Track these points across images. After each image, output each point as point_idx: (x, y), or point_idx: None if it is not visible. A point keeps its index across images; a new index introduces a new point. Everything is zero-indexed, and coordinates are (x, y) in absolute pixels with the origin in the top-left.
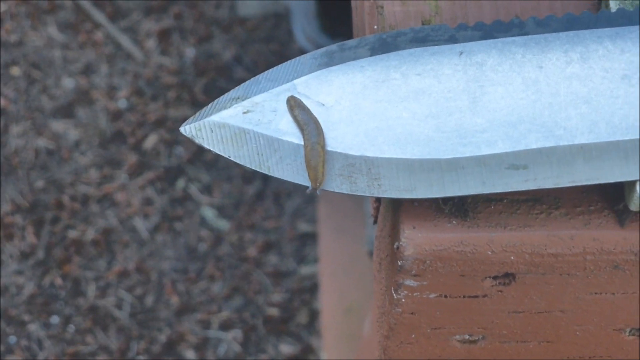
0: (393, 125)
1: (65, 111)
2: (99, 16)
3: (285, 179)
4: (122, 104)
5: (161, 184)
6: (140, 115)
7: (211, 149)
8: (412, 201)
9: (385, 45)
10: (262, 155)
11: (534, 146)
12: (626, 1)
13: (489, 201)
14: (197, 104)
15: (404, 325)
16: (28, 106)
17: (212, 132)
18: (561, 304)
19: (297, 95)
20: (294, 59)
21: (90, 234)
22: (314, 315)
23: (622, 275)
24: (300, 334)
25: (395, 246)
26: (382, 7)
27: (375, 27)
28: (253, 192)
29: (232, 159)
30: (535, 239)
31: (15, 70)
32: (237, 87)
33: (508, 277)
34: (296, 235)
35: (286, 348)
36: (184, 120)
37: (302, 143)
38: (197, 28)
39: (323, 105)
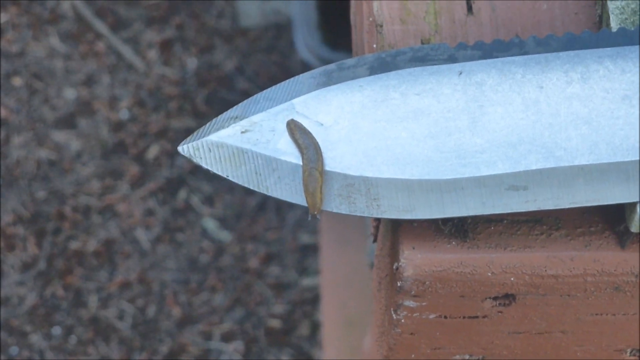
0: (392, 146)
1: (67, 122)
2: (100, 27)
3: (283, 199)
4: (123, 114)
5: (163, 195)
6: (141, 126)
7: (209, 169)
8: (411, 221)
9: (384, 64)
10: (260, 175)
11: (534, 167)
12: (627, 20)
13: (489, 222)
14: (199, 115)
15: (404, 346)
16: (30, 117)
17: (210, 151)
18: (562, 324)
19: (295, 115)
20: (292, 79)
21: (92, 245)
22: (315, 327)
23: (622, 297)
24: (301, 346)
25: (394, 267)
26: (381, 26)
27: (375, 45)
28: (255, 203)
29: (230, 178)
30: (535, 260)
31: (17, 81)
32: (235, 107)
33: (508, 298)
34: (298, 246)
35: None
36: (185, 130)
37: (301, 163)
38: (198, 39)
39: (322, 125)
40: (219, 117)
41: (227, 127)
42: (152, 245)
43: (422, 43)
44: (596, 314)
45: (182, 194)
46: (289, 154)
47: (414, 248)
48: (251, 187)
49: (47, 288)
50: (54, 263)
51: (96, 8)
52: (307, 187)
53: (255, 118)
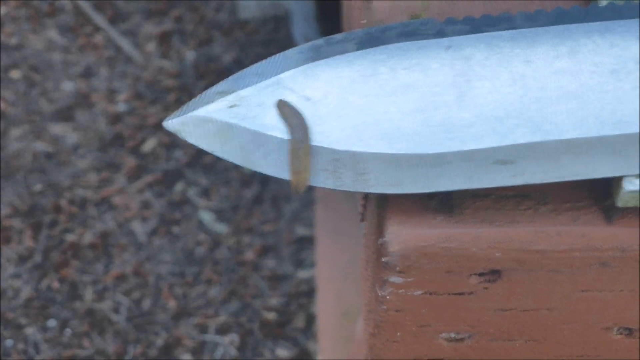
0: (380, 120)
1: (65, 114)
2: (99, 19)
3: (269, 174)
4: (121, 107)
5: (159, 188)
6: (139, 119)
7: (196, 144)
8: (398, 197)
9: (373, 39)
10: (247, 150)
11: (521, 141)
12: None
13: (475, 197)
14: None
15: (390, 323)
16: (27, 109)
17: (196, 126)
18: (548, 301)
19: (283, 90)
20: (280, 53)
21: (88, 238)
22: (310, 319)
23: (609, 273)
24: (297, 339)
25: (379, 242)
26: (370, 1)
27: (364, 21)
28: (251, 195)
29: (216, 154)
30: (522, 235)
31: (15, 73)
32: (222, 81)
33: (494, 274)
34: (294, 239)
35: (283, 352)
36: None
37: (288, 138)
38: (197, 31)
39: (309, 99)
40: (206, 91)
41: (214, 101)
42: (148, 237)
43: (412, 19)
44: (583, 291)
45: (179, 187)
46: (276, 128)
47: (399, 223)
48: (237, 163)
49: (42, 281)
50: (50, 256)
51: (95, 1)
52: (292, 167)
53: (243, 92)
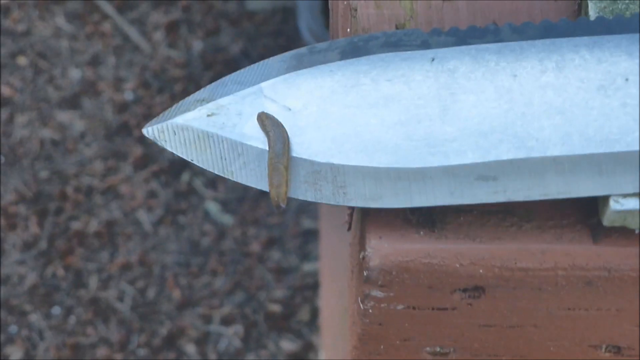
0: (361, 132)
1: (71, 102)
2: (107, 7)
3: (249, 184)
4: (128, 95)
5: (166, 178)
6: (146, 108)
7: (174, 152)
8: (379, 210)
9: (356, 49)
10: (225, 159)
11: (504, 157)
12: (606, 9)
13: (458, 212)
14: None
15: (373, 336)
16: (34, 96)
17: (174, 134)
18: (533, 319)
19: (263, 99)
20: (262, 61)
21: (94, 226)
22: (315, 312)
23: (595, 292)
24: (301, 331)
25: (361, 256)
26: (355, 10)
27: (349, 30)
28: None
29: (195, 162)
30: (505, 252)
31: (22, 60)
32: (202, 89)
33: (477, 291)
34: (299, 231)
35: (287, 345)
36: None
37: (267, 148)
38: (205, 21)
39: (290, 109)
40: (186, 99)
41: (193, 109)
42: (153, 227)
43: (397, 28)
44: (568, 309)
45: (185, 177)
46: (256, 138)
47: (380, 237)
48: (216, 172)
49: (47, 268)
50: (55, 243)
51: None
52: (271, 181)
53: (222, 101)
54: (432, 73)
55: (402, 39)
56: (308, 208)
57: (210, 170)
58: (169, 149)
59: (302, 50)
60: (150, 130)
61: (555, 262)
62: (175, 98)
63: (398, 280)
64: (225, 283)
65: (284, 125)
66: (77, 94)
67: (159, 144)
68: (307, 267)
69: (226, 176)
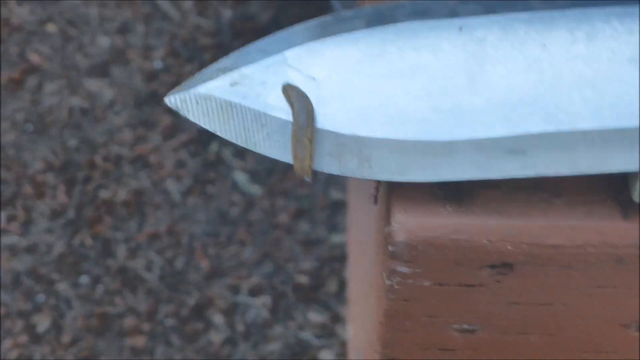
0: (387, 104)
1: (100, 70)
2: None
3: (272, 156)
4: (157, 64)
5: (194, 147)
6: (175, 77)
7: (196, 122)
8: (405, 184)
9: (383, 17)
10: (248, 130)
11: (534, 130)
12: None
13: (486, 187)
14: None
15: (399, 313)
16: (63, 64)
17: (197, 104)
18: (563, 296)
19: (287, 68)
20: (286, 29)
21: (122, 195)
22: (343, 284)
23: (625, 269)
24: (329, 303)
25: (386, 231)
26: None
27: None
28: None
29: (218, 133)
30: (534, 228)
31: (51, 27)
32: (225, 57)
33: (506, 267)
34: (328, 203)
35: (315, 316)
36: None
37: (291, 119)
38: None
39: (314, 79)
40: (209, 67)
41: (216, 78)
42: (182, 197)
43: None
44: (598, 287)
45: (214, 147)
46: (279, 109)
47: (406, 212)
48: (239, 143)
49: (75, 237)
50: (83, 212)
51: None
52: (295, 154)
53: (246, 70)
54: (459, 42)
55: (429, 7)
56: (336, 179)
57: (233, 141)
58: (191, 119)
59: (327, 18)
60: (172, 99)
61: (585, 239)
62: (204, 67)
63: (424, 256)
64: (254, 254)
65: (308, 95)
66: (106, 62)
67: (182, 113)
68: (335, 238)
69: (249, 147)
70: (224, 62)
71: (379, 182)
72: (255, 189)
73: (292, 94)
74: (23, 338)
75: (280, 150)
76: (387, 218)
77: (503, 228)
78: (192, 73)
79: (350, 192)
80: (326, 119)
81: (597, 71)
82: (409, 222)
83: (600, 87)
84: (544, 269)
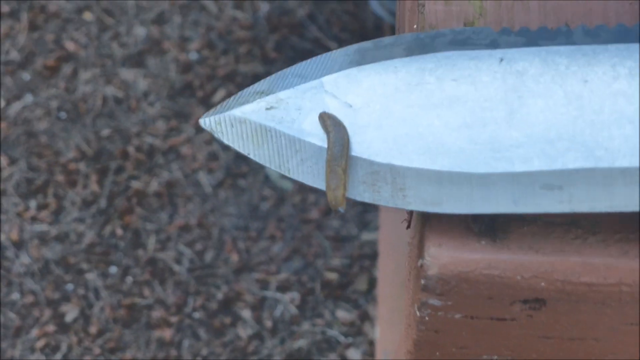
0: (423, 134)
1: (136, 60)
2: None
3: (306, 182)
4: (192, 56)
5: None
6: (210, 69)
7: (230, 145)
8: (439, 216)
9: (423, 45)
10: (282, 155)
11: (571, 166)
12: None
13: (521, 222)
14: (268, 61)
15: (428, 343)
16: (98, 53)
17: (232, 126)
18: (595, 332)
19: (324, 94)
20: (324, 54)
21: (154, 186)
22: (373, 282)
23: None
24: (358, 301)
25: (419, 263)
26: (423, 5)
27: (415, 26)
28: None
29: (251, 157)
30: (568, 266)
31: (88, 15)
32: (261, 81)
33: (538, 303)
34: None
35: (343, 314)
36: (253, 76)
37: (325, 146)
38: None
39: (351, 106)
40: (244, 90)
41: (252, 102)
42: (214, 189)
43: (465, 25)
44: (631, 324)
45: None
46: (314, 135)
47: (440, 245)
48: (273, 168)
49: (106, 227)
50: (115, 202)
51: None
52: (328, 184)
53: (282, 95)
54: (499, 74)
55: (470, 37)
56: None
57: (267, 165)
58: (225, 142)
59: (367, 44)
60: (207, 122)
61: (620, 278)
62: (239, 60)
63: (457, 290)
64: (283, 249)
65: (344, 123)
66: (141, 52)
67: (216, 136)
68: (366, 236)
69: (283, 172)
70: (261, 85)
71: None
72: (287, 184)
73: (329, 122)
74: (50, 327)
75: (313, 177)
76: (420, 250)
77: (537, 264)
78: (227, 65)
79: None
80: (361, 146)
81: (638, 108)
82: (442, 256)
83: None
84: (576, 305)
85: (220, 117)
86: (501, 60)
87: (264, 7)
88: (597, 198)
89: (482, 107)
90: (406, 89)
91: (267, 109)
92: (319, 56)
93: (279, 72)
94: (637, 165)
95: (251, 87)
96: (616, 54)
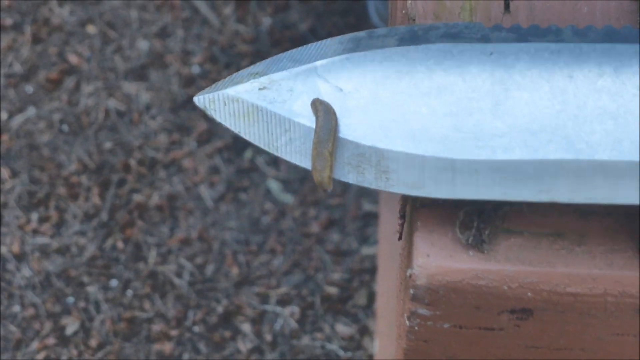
0: (409, 120)
1: (138, 73)
2: None
3: (292, 162)
4: (195, 69)
5: (229, 154)
6: (212, 82)
7: (222, 123)
8: (428, 227)
9: (416, 37)
10: (272, 134)
11: (552, 157)
12: None
13: (508, 233)
14: None
15: (417, 352)
16: (101, 66)
17: (225, 105)
18: (581, 342)
19: (317, 78)
20: (319, 42)
21: (155, 199)
22: (372, 297)
23: None
24: (357, 315)
25: (408, 273)
26: (414, 20)
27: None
28: None
29: (242, 135)
30: (554, 276)
31: (91, 29)
32: (257, 63)
33: (525, 313)
34: (360, 214)
35: (342, 328)
36: None
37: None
38: None
39: (341, 90)
40: (240, 72)
41: (245, 82)
42: (215, 203)
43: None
44: (617, 334)
45: (248, 154)
46: (304, 116)
47: (428, 256)
48: (262, 146)
49: (107, 240)
50: (116, 215)
51: None
52: (314, 165)
53: (275, 76)
54: (488, 67)
55: (462, 31)
56: (369, 191)
57: (256, 143)
58: (217, 119)
59: (361, 34)
60: (201, 99)
61: (606, 289)
62: None
63: (445, 300)
64: (284, 263)
65: (334, 106)
66: (144, 65)
67: (208, 113)
68: (366, 250)
69: (271, 151)
70: (256, 67)
71: (404, 220)
72: (288, 198)
73: (320, 107)
74: (51, 340)
75: (300, 157)
76: (409, 261)
77: (524, 275)
78: None
79: (382, 205)
80: (349, 129)
81: (620, 105)
82: (430, 267)
83: (622, 121)
84: (563, 315)
85: (214, 95)
86: (491, 53)
87: (266, 21)
88: (576, 189)
89: (468, 97)
90: (396, 77)
91: (259, 89)
92: (314, 43)
93: (275, 56)
94: (616, 158)
95: (246, 69)
96: (603, 52)
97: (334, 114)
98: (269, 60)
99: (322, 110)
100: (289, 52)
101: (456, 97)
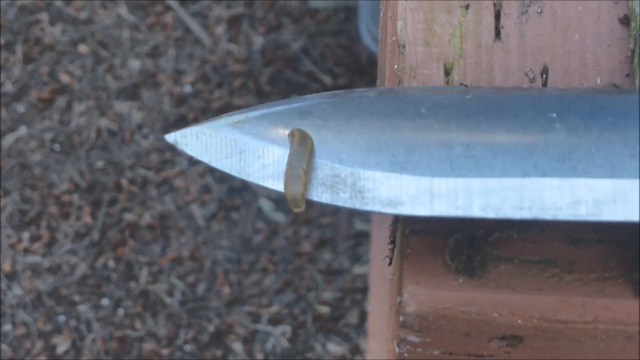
0: (386, 147)
1: (130, 93)
2: None
3: (265, 185)
4: (187, 89)
5: (220, 173)
6: (204, 102)
7: (192, 155)
8: (418, 254)
9: (394, 90)
10: (244, 162)
11: (533, 175)
12: None
13: (498, 260)
14: (262, 94)
15: None
16: (93, 85)
17: (197, 139)
18: None
19: (295, 115)
20: (302, 96)
21: (147, 219)
22: (364, 316)
23: (635, 346)
24: (349, 335)
25: (397, 300)
26: (403, 47)
27: (396, 66)
28: None
29: (212, 164)
30: (544, 303)
31: (83, 48)
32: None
33: (515, 339)
34: (352, 233)
35: (334, 347)
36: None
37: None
38: (267, 17)
39: (319, 125)
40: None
41: (221, 119)
42: (206, 222)
43: (445, 67)
44: None
45: None
46: (278, 144)
47: (418, 283)
48: (233, 174)
49: (98, 259)
50: (107, 234)
51: None
52: (287, 183)
53: (252, 114)
54: (465, 103)
55: (441, 89)
56: (361, 210)
57: (228, 172)
58: (188, 152)
59: (341, 91)
60: (172, 136)
61: (596, 316)
62: (233, 93)
63: (435, 327)
64: (275, 282)
65: (311, 138)
66: (136, 84)
67: (179, 147)
68: (358, 269)
69: (241, 177)
70: (233, 112)
71: (394, 245)
72: (280, 217)
73: (297, 133)
74: (42, 359)
75: (273, 180)
76: (399, 288)
77: (514, 302)
78: (221, 98)
79: (374, 224)
80: (324, 152)
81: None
82: (420, 294)
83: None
84: (553, 342)
85: (187, 131)
86: (469, 99)
87: (259, 41)
88: (560, 207)
89: (446, 130)
90: (373, 110)
91: (234, 122)
92: (293, 98)
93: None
94: (600, 176)
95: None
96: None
97: (311, 138)
98: (246, 109)
99: (298, 135)
100: (268, 103)
101: (433, 127)
